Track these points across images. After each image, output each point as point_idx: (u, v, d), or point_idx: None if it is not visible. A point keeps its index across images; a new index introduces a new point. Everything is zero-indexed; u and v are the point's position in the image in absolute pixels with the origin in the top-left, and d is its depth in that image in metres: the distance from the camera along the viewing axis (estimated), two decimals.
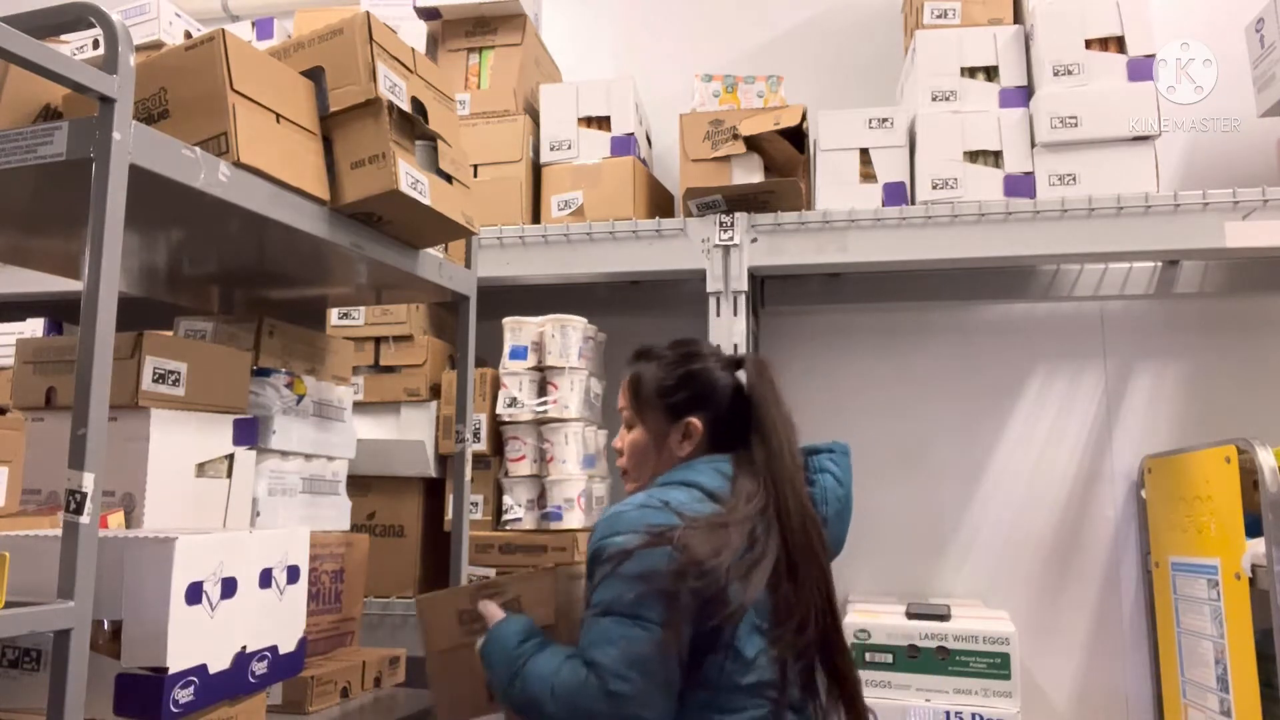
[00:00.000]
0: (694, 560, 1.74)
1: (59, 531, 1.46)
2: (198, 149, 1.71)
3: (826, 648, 1.94)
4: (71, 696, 1.40)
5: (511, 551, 3.23)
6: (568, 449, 3.30)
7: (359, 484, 3.16)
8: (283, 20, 4.13)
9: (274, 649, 1.95)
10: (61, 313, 3.80)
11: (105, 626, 1.68)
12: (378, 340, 3.55)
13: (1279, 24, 3.22)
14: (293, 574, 2.01)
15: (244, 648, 1.86)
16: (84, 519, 1.42)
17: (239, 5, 4.43)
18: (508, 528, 3.31)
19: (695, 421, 2.07)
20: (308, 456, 2.60)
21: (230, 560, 1.81)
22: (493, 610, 2.05)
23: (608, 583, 1.79)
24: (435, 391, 3.50)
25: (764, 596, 1.82)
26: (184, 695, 1.68)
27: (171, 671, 1.66)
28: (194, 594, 1.70)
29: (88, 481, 1.43)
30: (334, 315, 3.47)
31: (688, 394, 2.09)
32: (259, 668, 1.90)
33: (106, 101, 1.51)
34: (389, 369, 3.53)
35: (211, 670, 1.76)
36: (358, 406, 3.18)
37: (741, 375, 2.11)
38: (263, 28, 4.11)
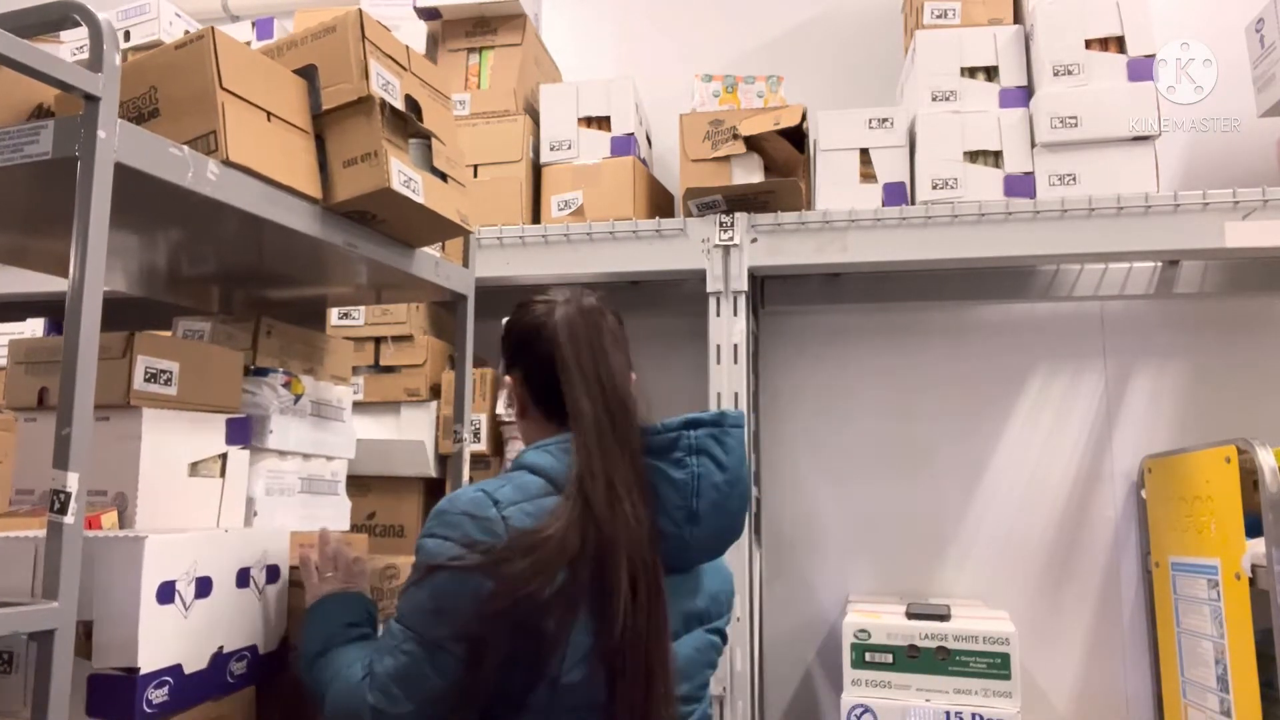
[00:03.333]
0: (503, 596, 1.51)
1: (39, 532, 1.46)
2: (185, 147, 1.70)
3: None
4: (55, 698, 1.40)
5: None
6: None
7: (359, 484, 3.16)
8: (282, 20, 4.14)
9: (253, 649, 1.95)
10: (61, 313, 3.80)
11: (77, 627, 1.68)
12: (377, 340, 3.55)
13: (1279, 24, 3.21)
14: (272, 573, 2.01)
15: (221, 648, 1.85)
16: (68, 519, 1.42)
17: (239, 5, 4.44)
18: None
19: (508, 378, 1.89)
20: (306, 456, 2.60)
21: (205, 559, 1.81)
22: (354, 574, 2.00)
23: (412, 590, 1.63)
24: (435, 391, 3.50)
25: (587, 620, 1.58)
26: (158, 695, 1.68)
27: (144, 672, 1.65)
28: (166, 593, 1.70)
29: (72, 481, 1.42)
30: (334, 315, 3.47)
31: (508, 345, 1.90)
32: (238, 667, 1.89)
33: (91, 100, 1.51)
34: (389, 369, 3.53)
35: (187, 670, 1.75)
36: (358, 406, 3.18)
37: (556, 318, 1.78)
38: (262, 28, 4.11)
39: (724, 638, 1.86)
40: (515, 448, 3.34)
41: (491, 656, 1.55)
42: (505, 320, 1.90)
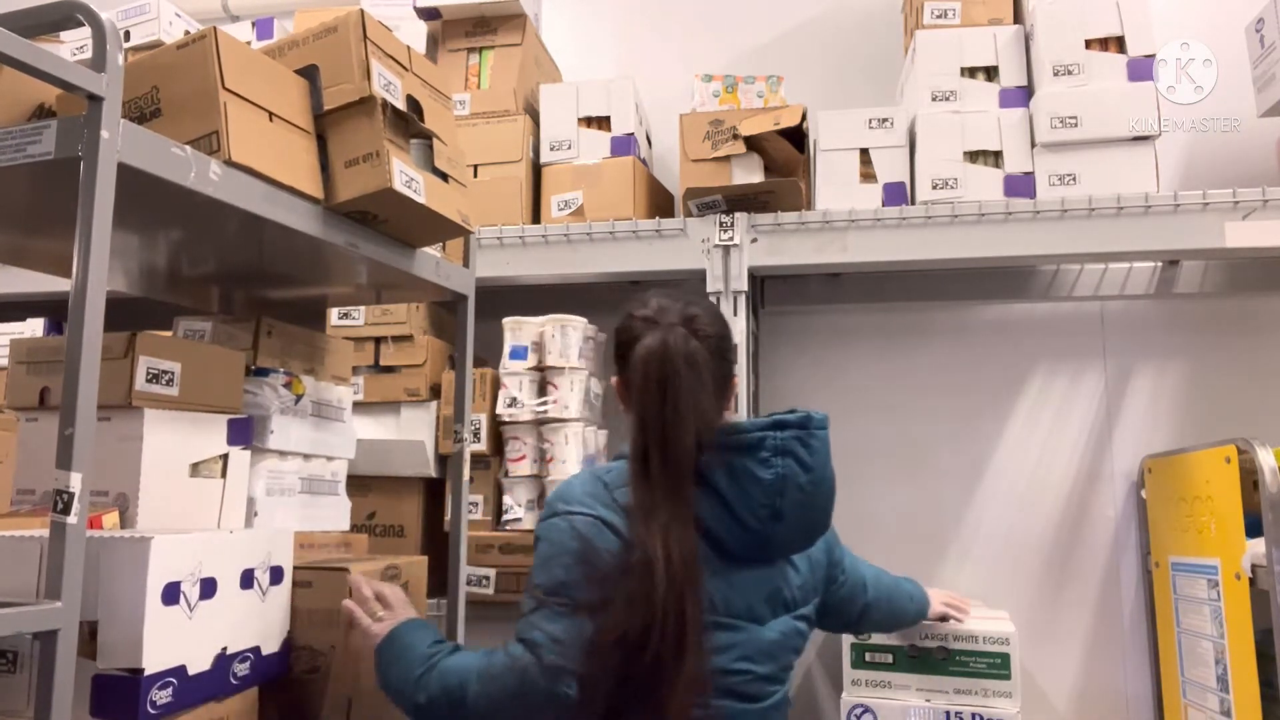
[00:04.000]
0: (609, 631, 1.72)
1: (44, 532, 1.46)
2: (188, 148, 1.70)
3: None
4: (59, 698, 1.40)
5: (511, 552, 3.23)
6: (568, 449, 3.30)
7: (359, 484, 3.16)
8: (283, 20, 4.14)
9: (256, 650, 1.95)
10: (61, 313, 3.79)
11: (82, 627, 1.68)
12: (378, 340, 3.55)
13: (1279, 24, 3.21)
14: (276, 574, 2.01)
15: (224, 649, 1.85)
16: (71, 519, 1.42)
17: (239, 5, 4.43)
18: (508, 528, 3.32)
19: (614, 380, 2.02)
20: (306, 456, 2.60)
21: (210, 560, 1.80)
22: (402, 603, 2.07)
23: (542, 570, 1.81)
24: (435, 391, 3.50)
25: None
26: (162, 696, 1.68)
27: (148, 673, 1.65)
28: (171, 594, 1.70)
29: (75, 481, 1.42)
30: (334, 315, 3.47)
31: (616, 351, 2.01)
32: (241, 669, 1.89)
33: (95, 100, 1.51)
34: (389, 369, 3.53)
35: (191, 671, 1.75)
36: (358, 406, 3.18)
37: (638, 346, 1.89)
38: (263, 28, 4.11)
39: (811, 623, 2.02)
40: (515, 448, 3.34)
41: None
42: (620, 322, 2.01)
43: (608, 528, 1.78)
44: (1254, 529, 2.72)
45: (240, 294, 2.69)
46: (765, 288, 3.82)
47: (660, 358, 1.82)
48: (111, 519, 1.96)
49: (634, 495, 1.79)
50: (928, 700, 2.95)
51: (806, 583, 1.99)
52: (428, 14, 3.97)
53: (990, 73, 3.37)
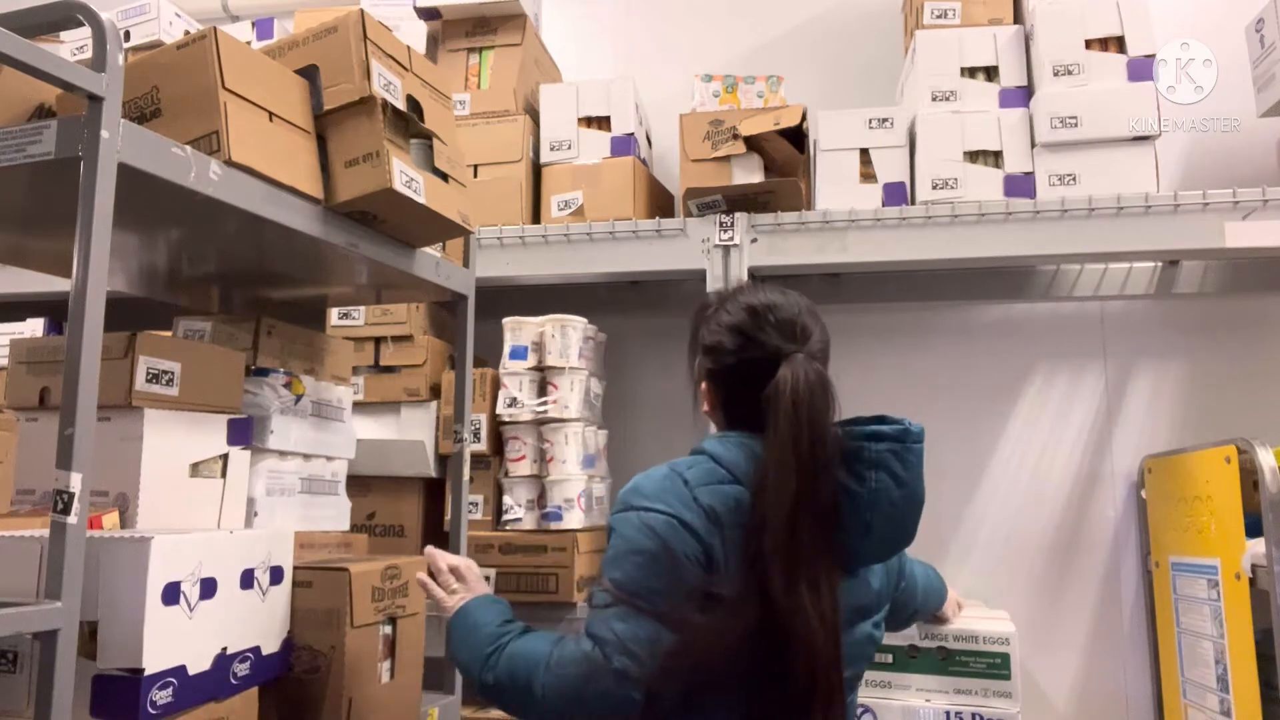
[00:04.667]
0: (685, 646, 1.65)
1: (44, 532, 1.46)
2: (188, 148, 1.71)
3: None
4: (59, 698, 1.40)
5: (511, 552, 3.23)
6: (568, 449, 3.30)
7: (359, 484, 3.16)
8: (283, 20, 4.14)
9: (256, 650, 1.95)
10: (61, 313, 3.79)
11: (82, 627, 1.68)
12: (378, 340, 3.55)
13: (1279, 24, 3.21)
14: (276, 574, 2.01)
15: (224, 649, 1.85)
16: (71, 519, 1.42)
17: (239, 5, 4.43)
18: (508, 528, 3.31)
19: (705, 387, 1.95)
20: (306, 456, 2.60)
21: (210, 560, 1.80)
22: (475, 578, 2.06)
23: (617, 564, 1.73)
24: (435, 391, 3.50)
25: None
26: (162, 696, 1.67)
27: (148, 673, 1.65)
28: (171, 594, 1.70)
29: (75, 481, 1.42)
30: (334, 315, 3.47)
31: (706, 361, 1.92)
32: (241, 669, 1.89)
33: (95, 100, 1.51)
34: (389, 369, 3.53)
35: (191, 671, 1.75)
36: (358, 406, 3.18)
37: (782, 381, 1.74)
38: (263, 28, 4.11)
39: (882, 628, 1.97)
40: (515, 448, 3.34)
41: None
42: (705, 329, 1.92)
43: (687, 530, 1.70)
44: (1254, 529, 2.72)
45: (240, 294, 2.69)
46: None
47: (810, 400, 1.71)
48: (111, 519, 1.96)
49: (778, 544, 1.65)
50: (928, 700, 2.95)
51: (882, 588, 1.93)
52: (428, 14, 3.97)
53: (990, 73, 3.37)
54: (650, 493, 1.75)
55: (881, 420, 1.74)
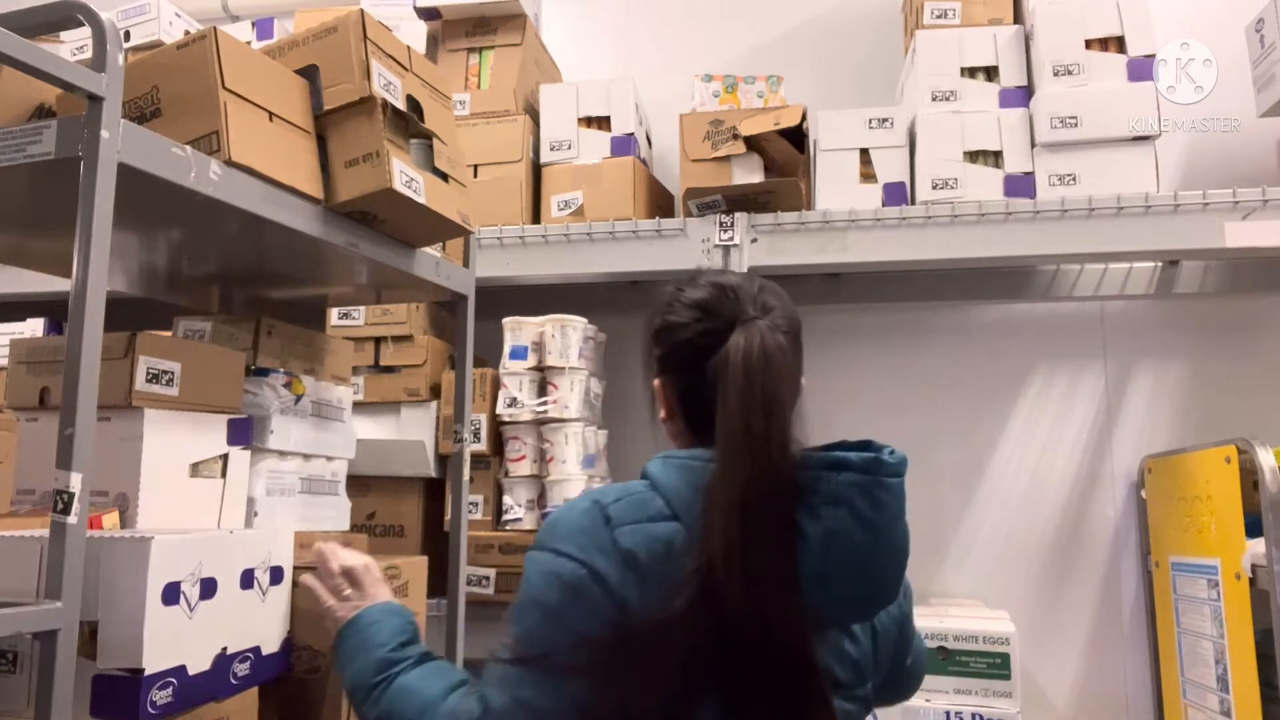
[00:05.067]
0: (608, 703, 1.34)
1: (44, 532, 1.46)
2: (188, 148, 1.70)
3: None
4: (59, 698, 1.40)
5: (511, 552, 3.23)
6: (568, 449, 3.30)
7: (359, 484, 3.15)
8: (283, 20, 4.14)
9: (256, 650, 1.94)
10: (61, 313, 3.80)
11: (82, 627, 1.68)
12: (378, 340, 3.55)
13: (1279, 24, 3.21)
14: (276, 574, 2.01)
15: (224, 649, 1.85)
16: (71, 519, 1.42)
17: (239, 5, 4.43)
18: (508, 528, 3.31)
19: (656, 383, 1.61)
20: (306, 456, 2.59)
21: (210, 560, 1.80)
22: (373, 581, 1.80)
23: (520, 615, 1.43)
24: (435, 391, 3.50)
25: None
26: (162, 696, 1.67)
27: (148, 673, 1.64)
28: (171, 594, 1.70)
29: (75, 481, 1.42)
30: (334, 315, 3.47)
31: (660, 350, 1.61)
32: (241, 669, 1.89)
33: (95, 100, 1.51)
34: (389, 369, 3.53)
35: (191, 671, 1.75)
36: (358, 406, 3.18)
37: (730, 349, 1.43)
38: (263, 28, 4.11)
39: (866, 704, 1.56)
40: (515, 448, 3.34)
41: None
42: (660, 317, 1.61)
43: (597, 582, 1.36)
44: (1254, 529, 2.72)
45: (240, 294, 2.69)
46: None
47: (764, 366, 1.40)
48: (111, 519, 1.96)
49: (730, 540, 1.33)
50: (927, 700, 2.95)
51: (865, 658, 1.53)
52: (428, 14, 3.97)
53: (990, 73, 3.37)
54: (563, 531, 1.44)
55: (856, 446, 1.40)
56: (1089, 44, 3.24)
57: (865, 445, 1.39)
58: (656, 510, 1.43)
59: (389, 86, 2.08)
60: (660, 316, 1.61)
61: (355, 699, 1.63)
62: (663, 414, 1.61)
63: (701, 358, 1.47)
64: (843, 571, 1.35)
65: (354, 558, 1.85)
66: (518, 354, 3.38)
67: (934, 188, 3.26)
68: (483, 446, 3.36)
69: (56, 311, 3.79)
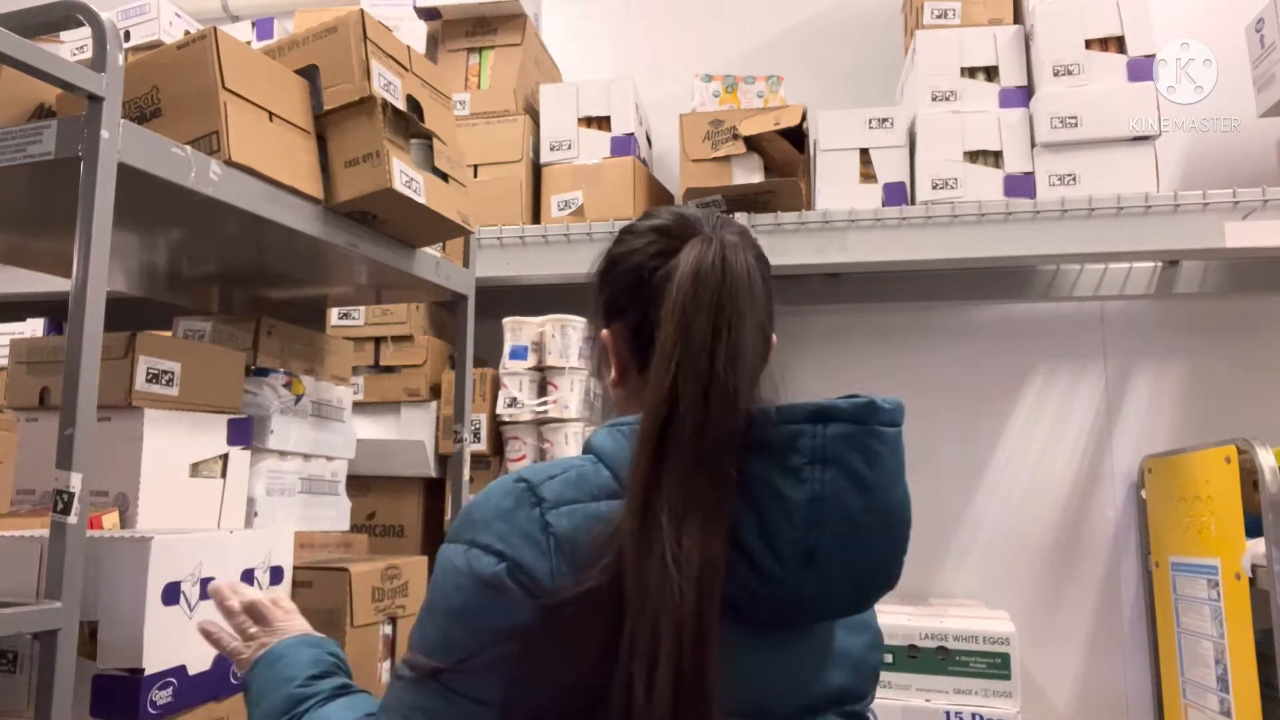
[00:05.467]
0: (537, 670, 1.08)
1: (44, 532, 1.46)
2: (188, 148, 1.71)
3: None
4: (59, 698, 1.40)
5: None
6: (568, 449, 3.30)
7: (359, 484, 3.15)
8: (283, 20, 4.14)
9: None
10: (61, 313, 3.80)
11: (82, 627, 1.68)
12: (378, 340, 3.55)
13: (1279, 24, 3.21)
14: (276, 574, 2.01)
15: None
16: (71, 519, 1.42)
17: (239, 5, 4.43)
18: None
19: (604, 333, 1.36)
20: (306, 456, 2.60)
21: (210, 560, 1.80)
22: (282, 614, 1.50)
23: (422, 623, 1.16)
24: (435, 391, 3.50)
25: None
26: (162, 696, 1.67)
27: (149, 673, 1.65)
28: (171, 594, 1.70)
29: (75, 481, 1.43)
30: (334, 315, 3.47)
31: (609, 287, 1.36)
32: None
33: (95, 100, 1.51)
34: (389, 369, 3.53)
35: (191, 671, 1.75)
36: (358, 406, 3.18)
37: (680, 258, 1.19)
38: (263, 28, 4.11)
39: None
40: (515, 448, 3.34)
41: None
42: (606, 251, 1.40)
43: (521, 577, 1.08)
44: (1254, 529, 2.72)
45: (240, 294, 2.69)
46: None
47: (719, 274, 1.16)
48: (111, 519, 1.96)
49: (636, 468, 1.10)
50: (928, 700, 2.95)
51: (865, 664, 1.28)
52: (428, 14, 3.97)
53: (990, 73, 3.37)
54: (480, 517, 1.14)
55: (844, 397, 1.18)
56: (1089, 44, 3.24)
57: (849, 396, 1.17)
58: (600, 486, 1.15)
59: (389, 86, 2.08)
60: (608, 251, 1.39)
61: None
62: (613, 375, 1.35)
63: (653, 286, 1.23)
64: (834, 546, 1.08)
65: (254, 592, 1.54)
66: (518, 354, 3.38)
67: (934, 188, 3.26)
68: (483, 446, 3.36)
69: (56, 311, 3.79)
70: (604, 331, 1.35)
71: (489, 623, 1.09)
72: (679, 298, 1.15)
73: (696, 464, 1.08)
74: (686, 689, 1.02)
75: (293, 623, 1.49)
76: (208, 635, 1.49)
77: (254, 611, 1.48)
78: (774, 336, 1.31)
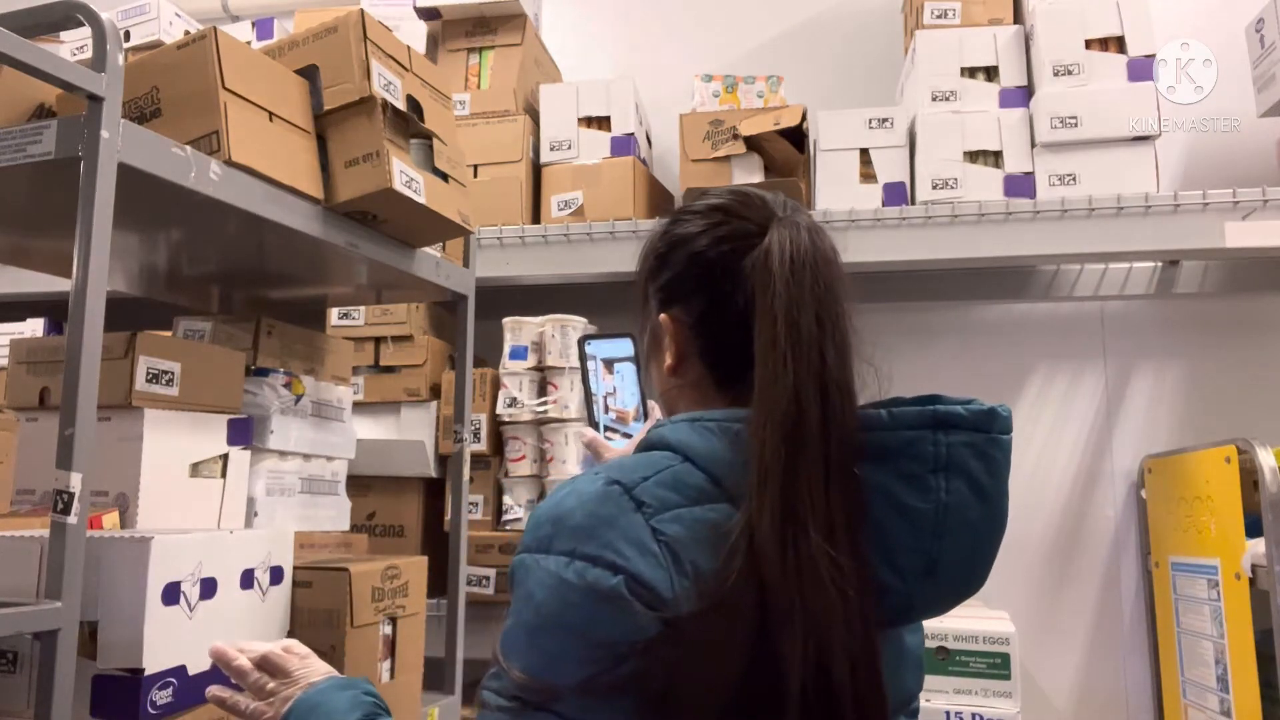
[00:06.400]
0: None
1: (44, 532, 1.46)
2: (188, 148, 1.70)
3: None
4: (59, 698, 1.40)
5: (512, 552, 3.22)
6: (568, 449, 3.30)
7: (359, 484, 3.16)
8: (283, 20, 4.14)
9: None
10: (61, 313, 3.79)
11: (82, 627, 1.68)
12: (378, 340, 3.55)
13: (1279, 24, 3.21)
14: (276, 574, 2.01)
15: None
16: (71, 519, 1.42)
17: (239, 5, 4.43)
18: (508, 528, 3.31)
19: (663, 318, 1.24)
20: (306, 456, 2.59)
21: (210, 560, 1.80)
22: (299, 661, 1.40)
23: (514, 638, 1.05)
24: (435, 391, 3.50)
25: None
26: (162, 697, 1.67)
27: (149, 673, 1.65)
28: (171, 594, 1.70)
29: (75, 481, 1.42)
30: (334, 315, 3.47)
31: (669, 268, 1.24)
32: None
33: (95, 100, 1.51)
34: (389, 369, 3.53)
35: (191, 671, 1.75)
36: (358, 406, 3.18)
37: (771, 243, 1.13)
38: (263, 28, 4.11)
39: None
40: (515, 448, 3.34)
41: None
42: (664, 230, 1.28)
43: (638, 595, 0.99)
44: (1254, 529, 2.72)
45: (240, 294, 2.69)
46: None
47: (813, 262, 1.12)
48: (111, 519, 1.96)
49: (768, 469, 1.02)
50: (927, 700, 2.95)
51: (923, 662, 1.26)
52: (428, 14, 3.97)
53: (990, 73, 3.37)
54: (581, 524, 1.04)
55: (956, 401, 1.14)
56: (1089, 44, 3.24)
57: (936, 399, 1.14)
58: (697, 488, 1.07)
59: (389, 86, 2.08)
60: (664, 233, 1.27)
61: None
62: (670, 362, 1.24)
63: (726, 272, 1.17)
64: (956, 555, 1.05)
65: (261, 645, 1.42)
66: (518, 354, 3.38)
67: (934, 188, 3.26)
68: (483, 446, 3.36)
69: (56, 311, 3.79)
70: (662, 316, 1.24)
71: (611, 637, 0.99)
72: (781, 290, 1.09)
73: (828, 468, 1.04)
74: (865, 692, 0.99)
75: (312, 667, 1.39)
76: (221, 703, 1.39)
77: (268, 665, 1.38)
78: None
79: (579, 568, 1.01)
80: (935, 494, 1.04)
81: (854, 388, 1.13)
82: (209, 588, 1.80)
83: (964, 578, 1.08)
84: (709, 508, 1.05)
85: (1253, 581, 2.71)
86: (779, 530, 0.99)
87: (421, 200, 2.12)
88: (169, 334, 2.50)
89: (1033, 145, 3.26)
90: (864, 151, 3.41)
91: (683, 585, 1.00)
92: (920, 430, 1.09)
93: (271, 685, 1.36)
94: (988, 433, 1.09)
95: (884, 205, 3.31)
